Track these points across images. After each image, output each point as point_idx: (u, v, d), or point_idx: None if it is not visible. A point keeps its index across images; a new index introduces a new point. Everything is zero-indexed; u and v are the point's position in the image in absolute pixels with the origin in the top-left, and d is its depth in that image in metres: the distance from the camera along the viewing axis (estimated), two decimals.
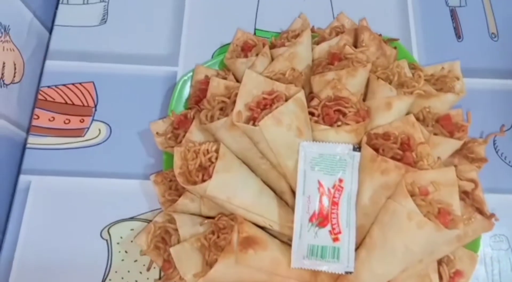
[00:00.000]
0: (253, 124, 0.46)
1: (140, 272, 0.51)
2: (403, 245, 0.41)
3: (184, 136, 0.51)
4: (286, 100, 0.48)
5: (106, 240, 0.53)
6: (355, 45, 0.58)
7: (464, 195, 0.47)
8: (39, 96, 0.59)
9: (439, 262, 0.47)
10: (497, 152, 0.58)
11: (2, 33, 0.55)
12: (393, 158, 0.45)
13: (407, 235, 0.41)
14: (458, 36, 0.65)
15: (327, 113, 0.49)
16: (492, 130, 0.59)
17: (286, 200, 0.50)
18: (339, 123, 0.48)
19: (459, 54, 0.63)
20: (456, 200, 0.43)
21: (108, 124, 0.58)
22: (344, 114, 0.48)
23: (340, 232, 0.44)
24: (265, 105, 0.48)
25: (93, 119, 0.58)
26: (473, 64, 0.62)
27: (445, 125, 0.50)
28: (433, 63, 0.61)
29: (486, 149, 0.57)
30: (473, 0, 0.67)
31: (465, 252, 0.48)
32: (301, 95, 0.48)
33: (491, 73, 0.62)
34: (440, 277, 0.46)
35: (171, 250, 0.43)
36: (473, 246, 0.49)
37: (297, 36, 0.58)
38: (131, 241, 0.52)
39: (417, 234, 0.40)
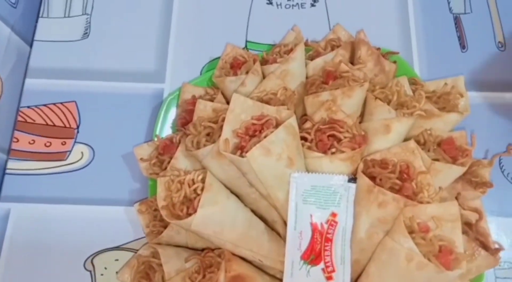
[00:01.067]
0: (241, 153, 0.42)
1: None
2: None
3: (169, 162, 0.48)
4: (277, 125, 0.45)
5: (90, 271, 0.50)
6: (352, 60, 0.54)
7: (467, 227, 0.44)
8: (19, 118, 0.56)
9: None
10: (503, 172, 0.55)
11: None
12: (391, 188, 0.42)
13: (405, 277, 0.38)
14: (463, 46, 0.61)
15: (321, 139, 0.45)
16: (499, 148, 0.55)
17: (277, 230, 0.47)
18: (333, 150, 0.45)
19: (463, 65, 0.59)
20: (459, 236, 0.40)
21: (91, 147, 0.55)
22: (339, 140, 0.45)
23: (334, 270, 0.41)
24: (254, 131, 0.44)
25: (75, 142, 0.55)
26: (479, 76, 0.59)
27: (447, 150, 0.47)
28: (436, 76, 0.57)
29: (492, 169, 0.54)
30: (479, 7, 0.62)
31: None
32: (293, 120, 0.45)
33: (497, 86, 0.58)
34: None
35: None
36: (477, 277, 0.46)
37: (289, 51, 0.54)
38: (116, 273, 0.49)
39: (417, 276, 0.38)
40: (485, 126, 0.56)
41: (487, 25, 0.62)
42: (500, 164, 0.55)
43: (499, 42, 0.61)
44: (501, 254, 0.49)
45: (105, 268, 0.50)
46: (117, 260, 0.50)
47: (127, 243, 0.51)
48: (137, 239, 0.51)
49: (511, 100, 0.58)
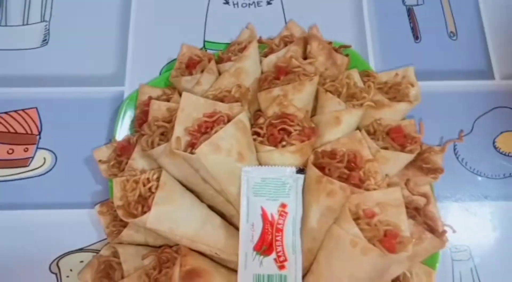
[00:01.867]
0: (191, 151, 0.43)
1: None
2: (348, 272, 0.40)
3: (127, 163, 0.49)
4: (229, 121, 0.46)
5: (56, 274, 0.51)
6: (305, 55, 0.56)
7: (416, 211, 0.45)
8: None
9: (394, 280, 0.45)
10: (457, 158, 0.56)
11: None
12: (339, 177, 0.44)
13: (351, 262, 0.39)
14: (416, 37, 0.62)
15: (272, 133, 0.47)
16: (453, 135, 0.57)
17: (235, 224, 0.48)
18: (284, 143, 0.46)
19: (416, 56, 0.61)
20: (404, 220, 0.41)
21: (53, 152, 0.56)
22: (289, 134, 0.46)
23: (286, 260, 0.42)
24: (206, 128, 0.45)
25: (37, 148, 0.56)
26: (432, 66, 0.60)
27: (395, 138, 0.48)
28: (390, 67, 0.59)
29: (447, 155, 0.55)
30: None
31: (422, 268, 0.47)
32: (242, 116, 0.46)
33: (450, 75, 0.60)
34: None
35: None
36: (431, 260, 0.48)
37: (244, 49, 0.55)
38: (78, 274, 0.50)
39: (362, 261, 0.39)
40: (439, 114, 0.58)
41: (439, 16, 0.63)
42: (455, 150, 0.57)
43: (451, 31, 0.62)
44: (455, 237, 0.51)
45: (71, 270, 0.51)
46: (81, 261, 0.51)
47: (91, 244, 0.52)
48: (100, 241, 0.52)
49: (465, 88, 0.59)
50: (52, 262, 0.51)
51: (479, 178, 0.55)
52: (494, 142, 0.57)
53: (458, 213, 0.54)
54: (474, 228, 0.53)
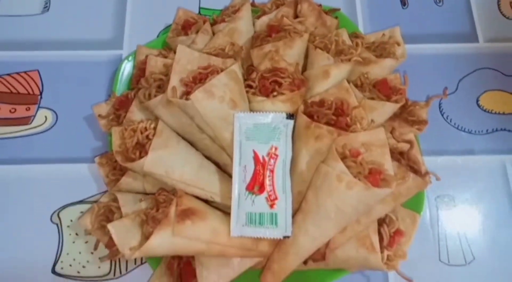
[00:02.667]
0: (186, 98, 0.46)
1: (91, 252, 0.52)
2: (334, 206, 0.42)
3: (125, 117, 0.51)
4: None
5: (57, 224, 0.53)
6: (296, 16, 0.58)
7: (400, 155, 0.48)
8: None
9: (381, 223, 0.48)
10: (442, 115, 0.59)
11: None
12: (327, 123, 0.46)
13: (337, 196, 0.41)
14: (403, 3, 0.65)
15: (264, 85, 0.49)
16: (438, 93, 0.59)
17: (229, 172, 0.50)
18: (275, 93, 0.48)
19: (404, 21, 0.63)
20: (387, 160, 0.44)
21: (54, 111, 0.58)
22: (280, 85, 0.49)
23: (276, 198, 0.45)
24: (200, 80, 0.48)
25: (39, 107, 0.58)
26: (418, 30, 0.63)
27: (381, 89, 0.50)
28: (379, 31, 0.61)
29: (433, 112, 0.58)
30: None
31: (407, 212, 0.49)
32: (235, 67, 0.48)
33: (436, 38, 0.62)
34: (381, 238, 0.47)
35: (109, 226, 0.43)
36: (416, 206, 0.50)
37: (237, 11, 0.58)
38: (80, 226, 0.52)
39: (347, 194, 0.41)
40: (426, 75, 0.60)
41: None
42: (440, 108, 0.59)
43: None
44: (440, 187, 0.54)
45: (71, 221, 0.53)
46: (82, 212, 0.53)
47: (91, 196, 0.54)
48: (100, 193, 0.54)
49: (449, 51, 0.62)
50: (53, 213, 0.54)
51: (463, 134, 0.58)
52: (477, 100, 0.59)
53: (443, 165, 0.56)
54: (458, 179, 0.55)
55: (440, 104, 0.59)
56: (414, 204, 0.50)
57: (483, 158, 0.56)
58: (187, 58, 0.48)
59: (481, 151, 0.57)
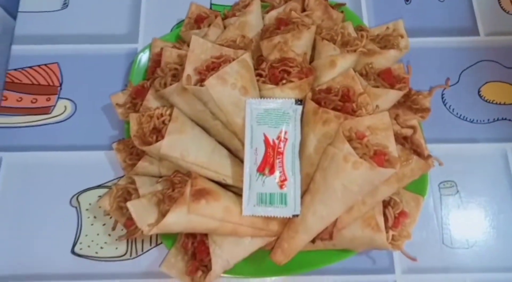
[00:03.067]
0: (201, 84, 0.48)
1: (109, 235, 0.54)
2: (341, 185, 0.44)
3: (141, 105, 0.54)
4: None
5: (76, 207, 0.56)
6: (303, 10, 0.60)
7: (404, 140, 0.50)
8: (7, 79, 0.62)
9: (386, 205, 0.50)
10: (445, 105, 0.61)
11: None
12: (334, 109, 0.48)
13: (344, 176, 0.44)
14: None
15: (273, 73, 0.51)
16: (440, 84, 0.61)
17: (240, 157, 0.52)
18: (284, 81, 0.51)
19: (407, 16, 0.65)
20: (392, 142, 0.46)
21: (73, 101, 0.61)
22: (289, 73, 0.51)
23: (286, 179, 0.47)
24: (213, 68, 0.50)
25: (58, 97, 0.61)
26: (421, 24, 0.65)
27: (386, 78, 0.53)
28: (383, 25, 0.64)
29: (436, 102, 0.60)
30: None
31: (411, 195, 0.51)
32: (246, 56, 0.51)
33: (438, 32, 0.65)
34: (386, 219, 0.49)
35: (128, 204, 0.46)
36: (420, 190, 0.52)
37: (247, 5, 0.61)
38: (99, 207, 0.55)
39: (353, 173, 0.43)
40: (429, 68, 0.63)
41: None
42: (442, 98, 0.61)
43: None
44: (443, 174, 0.56)
45: (89, 204, 0.56)
46: (99, 196, 0.56)
47: (108, 181, 0.57)
48: (116, 178, 0.57)
49: (452, 44, 0.64)
50: (72, 197, 0.56)
51: (465, 123, 0.60)
52: (479, 91, 0.61)
53: (446, 153, 0.58)
54: (461, 166, 0.57)
55: (442, 95, 0.61)
56: (418, 188, 0.52)
57: (485, 146, 0.58)
58: (200, 48, 0.51)
59: (483, 139, 0.59)
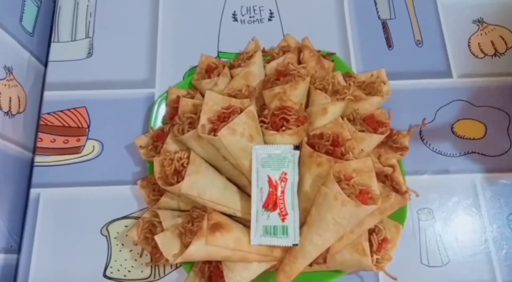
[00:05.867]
0: (214, 134, 0.57)
1: (135, 260, 0.63)
2: (332, 219, 0.53)
3: (162, 147, 0.63)
4: (241, 112, 0.60)
5: (106, 236, 0.65)
6: (299, 61, 0.70)
7: (385, 178, 0.59)
8: (41, 122, 0.71)
9: (371, 232, 0.59)
10: (423, 140, 0.70)
11: (7, 73, 0.67)
12: (326, 152, 0.57)
13: (334, 211, 0.53)
14: (389, 45, 0.76)
15: (274, 121, 0.60)
16: (419, 123, 0.70)
17: (248, 192, 0.62)
18: (284, 128, 0.60)
19: (390, 61, 0.75)
20: (374, 182, 0.55)
21: (100, 142, 0.70)
22: (288, 121, 0.60)
23: (287, 214, 0.56)
24: (224, 118, 0.59)
25: (87, 138, 0.70)
26: (402, 68, 0.74)
27: (369, 123, 0.62)
28: (369, 69, 0.73)
29: (414, 138, 0.69)
30: (401, 13, 0.78)
31: (392, 223, 0.61)
32: (252, 108, 0.60)
33: (416, 75, 0.74)
34: (371, 244, 0.58)
35: (156, 238, 0.55)
36: (400, 218, 0.61)
37: (250, 57, 0.70)
38: (126, 235, 0.64)
39: (342, 210, 0.52)
40: (408, 107, 0.71)
41: (408, 27, 0.77)
42: (420, 134, 0.71)
43: (417, 40, 0.77)
44: (421, 201, 0.65)
45: (117, 233, 0.65)
46: (126, 226, 0.65)
47: (133, 213, 0.66)
48: (140, 210, 0.66)
49: (428, 85, 0.73)
50: (102, 227, 0.65)
51: (440, 156, 0.69)
52: (452, 128, 0.71)
53: (423, 183, 0.67)
54: (436, 195, 0.67)
55: (420, 131, 0.71)
56: (399, 216, 0.61)
57: (457, 176, 0.68)
58: (213, 101, 0.60)
59: (455, 171, 0.68)
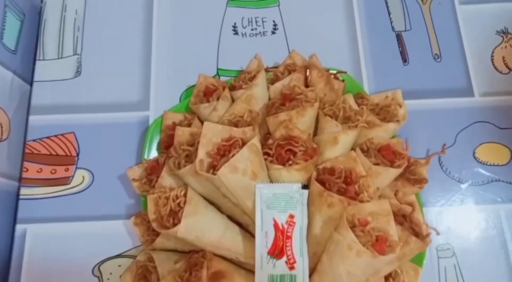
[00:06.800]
0: (213, 172, 0.52)
1: None
2: (346, 271, 0.48)
3: (157, 181, 0.58)
4: (243, 144, 0.54)
5: (98, 277, 0.60)
6: (307, 81, 0.64)
7: (403, 218, 0.54)
8: (26, 150, 0.65)
9: (386, 277, 0.54)
10: (442, 168, 0.64)
11: None
12: (338, 191, 0.52)
13: (348, 263, 0.48)
14: (404, 60, 0.70)
15: (280, 153, 0.55)
16: (438, 147, 0.65)
17: (251, 231, 0.56)
18: (290, 162, 0.54)
19: (405, 77, 0.68)
20: (392, 227, 0.50)
21: (90, 171, 0.64)
22: (295, 154, 0.55)
23: (295, 262, 0.51)
24: (224, 151, 0.54)
25: (76, 168, 0.65)
26: (418, 85, 0.68)
27: (385, 155, 0.56)
28: (382, 87, 0.67)
29: (432, 165, 0.63)
30: (418, 24, 0.72)
31: (410, 266, 0.55)
32: (255, 140, 0.54)
33: (435, 93, 0.68)
34: None
35: None
36: (418, 258, 0.56)
37: (253, 77, 0.64)
38: (120, 276, 0.59)
39: (357, 261, 0.47)
40: (426, 129, 0.66)
41: (425, 40, 0.71)
42: (439, 161, 0.65)
43: (435, 54, 0.70)
44: (440, 238, 0.60)
45: (110, 273, 0.60)
46: (119, 265, 0.60)
47: (127, 251, 0.61)
48: (135, 247, 0.61)
49: (448, 105, 0.67)
50: (94, 267, 0.60)
51: (462, 185, 0.63)
52: (474, 153, 0.65)
53: (443, 216, 0.62)
54: (457, 229, 0.61)
55: (439, 157, 0.65)
56: (417, 258, 0.55)
57: (479, 207, 0.62)
58: (212, 132, 0.54)
59: (478, 202, 0.62)
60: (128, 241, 0.61)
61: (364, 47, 0.70)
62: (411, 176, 0.58)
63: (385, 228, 0.49)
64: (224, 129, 0.55)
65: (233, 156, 0.52)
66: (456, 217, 0.62)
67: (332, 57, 0.68)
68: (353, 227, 0.49)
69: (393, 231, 0.49)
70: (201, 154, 0.53)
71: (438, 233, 0.57)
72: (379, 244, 0.48)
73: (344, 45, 0.70)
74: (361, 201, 0.51)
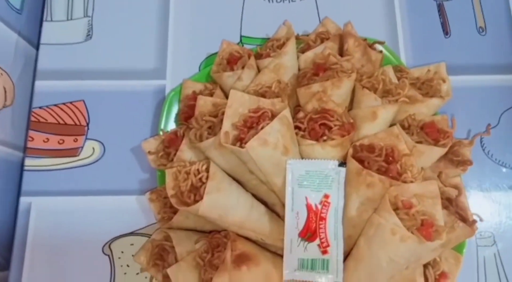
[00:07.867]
0: (241, 144, 0.47)
1: None
2: (387, 257, 0.43)
3: (175, 154, 0.53)
4: (272, 116, 0.49)
5: (108, 256, 0.55)
6: (341, 51, 0.58)
7: (448, 202, 0.49)
8: (32, 118, 0.60)
9: (425, 265, 0.49)
10: (484, 150, 0.59)
11: None
12: (378, 170, 0.47)
13: (391, 249, 0.43)
14: (446, 32, 0.64)
15: (313, 128, 0.49)
16: (479, 128, 0.59)
17: (277, 211, 0.52)
18: (325, 137, 0.49)
19: (446, 51, 0.63)
20: (439, 211, 0.45)
21: (101, 142, 0.59)
22: (330, 128, 0.49)
23: (328, 245, 0.46)
24: (251, 123, 0.48)
25: (86, 138, 0.59)
26: (461, 60, 0.62)
27: (429, 132, 0.51)
28: (421, 61, 0.61)
29: (474, 148, 0.58)
30: None
31: (451, 253, 0.50)
32: (286, 112, 0.49)
33: (478, 69, 0.62)
34: (426, 280, 0.48)
35: (168, 271, 0.45)
36: (459, 247, 0.51)
37: (282, 45, 0.58)
38: (132, 256, 0.54)
39: (401, 247, 0.42)
40: (467, 108, 0.60)
41: (469, 11, 0.65)
42: (481, 143, 0.59)
43: (480, 27, 0.64)
44: (480, 224, 0.55)
45: (122, 252, 0.55)
46: (132, 244, 0.55)
47: (140, 229, 0.56)
48: (148, 225, 0.56)
49: (492, 83, 0.62)
50: (104, 245, 0.56)
51: (504, 169, 0.58)
52: None
53: (484, 202, 0.57)
54: (498, 216, 0.56)
55: (481, 138, 0.59)
56: (457, 246, 0.51)
57: None
58: (238, 102, 0.49)
59: None
60: (141, 218, 0.56)
61: (402, 16, 0.64)
62: (454, 157, 0.53)
63: (430, 211, 0.44)
64: (252, 99, 0.50)
65: (262, 128, 0.47)
66: (498, 203, 0.57)
67: (366, 27, 0.62)
68: (396, 209, 0.44)
69: (440, 214, 0.45)
70: (227, 125, 0.48)
71: (481, 219, 0.52)
72: (425, 229, 0.43)
73: (380, 14, 0.64)
74: (404, 182, 0.46)
